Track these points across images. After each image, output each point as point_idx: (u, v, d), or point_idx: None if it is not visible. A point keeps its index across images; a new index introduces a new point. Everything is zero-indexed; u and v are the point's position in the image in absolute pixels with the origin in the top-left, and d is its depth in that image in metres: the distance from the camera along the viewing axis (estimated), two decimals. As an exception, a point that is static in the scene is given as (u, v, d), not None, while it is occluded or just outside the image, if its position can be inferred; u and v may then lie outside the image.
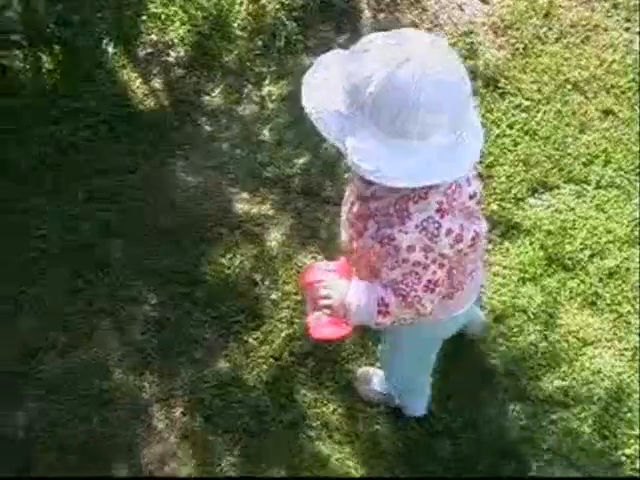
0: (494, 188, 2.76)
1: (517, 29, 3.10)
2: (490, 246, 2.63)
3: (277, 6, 3.13)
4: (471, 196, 1.65)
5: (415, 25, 3.10)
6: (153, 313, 2.57)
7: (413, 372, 2.16)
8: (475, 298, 1.95)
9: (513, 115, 2.93)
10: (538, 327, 2.54)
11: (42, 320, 2.55)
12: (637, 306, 2.57)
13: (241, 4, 3.13)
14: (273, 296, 2.57)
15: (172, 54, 3.07)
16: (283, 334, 2.50)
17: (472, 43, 3.07)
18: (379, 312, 1.64)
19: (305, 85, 1.53)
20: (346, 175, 2.61)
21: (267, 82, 3.00)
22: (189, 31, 3.08)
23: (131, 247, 2.68)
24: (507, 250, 2.67)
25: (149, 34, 3.09)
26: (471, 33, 3.10)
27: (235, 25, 3.10)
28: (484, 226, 1.74)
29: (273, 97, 2.97)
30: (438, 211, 1.56)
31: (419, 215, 1.55)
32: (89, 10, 3.08)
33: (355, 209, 1.68)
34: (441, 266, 1.59)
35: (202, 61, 3.04)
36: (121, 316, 2.56)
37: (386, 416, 2.41)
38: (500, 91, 2.98)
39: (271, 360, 2.48)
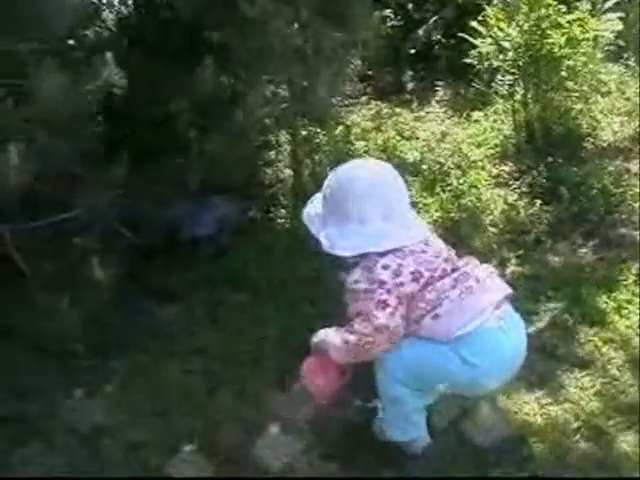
0: None
1: None
2: None
3: (530, 210, 3.32)
4: (435, 254, 2.05)
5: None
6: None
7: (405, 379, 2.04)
8: (475, 321, 1.96)
9: None
10: None
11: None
12: None
13: (495, 204, 3.36)
14: None
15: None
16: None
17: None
18: (346, 330, 2.01)
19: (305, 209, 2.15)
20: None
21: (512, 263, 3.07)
22: (441, 217, 3.29)
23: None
24: None
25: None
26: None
27: (487, 220, 3.29)
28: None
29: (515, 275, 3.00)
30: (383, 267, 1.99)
31: (363, 264, 2.00)
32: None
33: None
34: (388, 291, 1.95)
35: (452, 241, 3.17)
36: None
37: None
38: None
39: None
